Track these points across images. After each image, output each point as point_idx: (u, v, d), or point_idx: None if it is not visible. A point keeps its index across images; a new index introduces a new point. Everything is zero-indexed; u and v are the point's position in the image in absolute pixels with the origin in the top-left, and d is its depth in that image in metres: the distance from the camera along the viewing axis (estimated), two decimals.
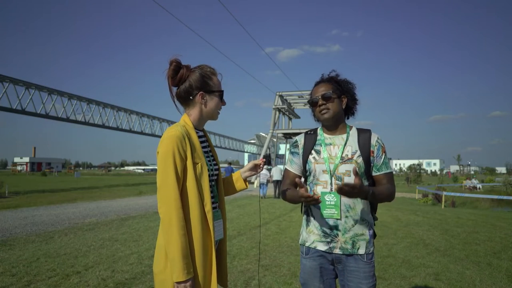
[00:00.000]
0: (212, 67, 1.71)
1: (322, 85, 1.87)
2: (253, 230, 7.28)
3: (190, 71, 1.66)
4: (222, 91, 1.72)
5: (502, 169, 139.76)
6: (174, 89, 1.70)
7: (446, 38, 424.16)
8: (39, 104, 24.82)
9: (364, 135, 1.84)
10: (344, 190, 1.58)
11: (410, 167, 47.61)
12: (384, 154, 1.83)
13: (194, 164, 1.56)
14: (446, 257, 5.21)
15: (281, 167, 17.81)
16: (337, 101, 1.84)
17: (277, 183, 16.64)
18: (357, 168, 1.73)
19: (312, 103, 1.88)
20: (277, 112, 35.80)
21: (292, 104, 38.88)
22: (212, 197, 1.64)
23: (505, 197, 15.92)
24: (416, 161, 50.21)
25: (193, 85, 1.64)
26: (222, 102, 1.73)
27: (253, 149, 66.94)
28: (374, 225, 1.87)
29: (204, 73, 1.66)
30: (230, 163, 22.36)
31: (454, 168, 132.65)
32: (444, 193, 16.63)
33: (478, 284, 4.00)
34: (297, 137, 1.99)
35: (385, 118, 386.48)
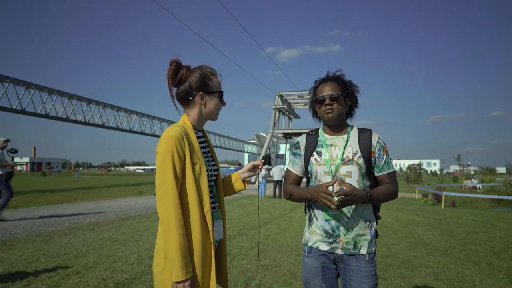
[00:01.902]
0: (212, 67, 1.71)
1: (329, 83, 1.85)
2: (253, 230, 7.28)
3: (190, 72, 1.66)
4: (222, 92, 1.71)
5: (502, 169, 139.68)
6: (174, 90, 1.70)
7: (446, 38, 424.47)
8: (39, 104, 24.86)
9: (364, 135, 1.84)
10: (342, 203, 1.62)
11: (410, 167, 47.58)
12: (385, 154, 1.84)
13: (193, 164, 1.56)
14: (446, 257, 5.21)
15: (281, 166, 17.70)
16: (342, 102, 1.83)
17: (277, 183, 16.57)
18: (351, 172, 1.76)
19: (318, 101, 1.86)
20: (277, 112, 35.79)
21: (292, 104, 38.88)
22: (211, 197, 1.65)
23: (505, 197, 15.90)
24: (416, 161, 50.15)
25: (193, 86, 1.64)
26: (222, 103, 1.73)
27: (253, 149, 66.88)
28: (377, 224, 1.87)
29: (204, 73, 1.66)
30: (239, 164, 22.25)
31: (454, 168, 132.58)
32: (444, 193, 16.62)
33: (478, 284, 4.00)
34: (298, 138, 1.99)
35: (385, 118, 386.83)
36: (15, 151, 8.95)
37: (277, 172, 16.58)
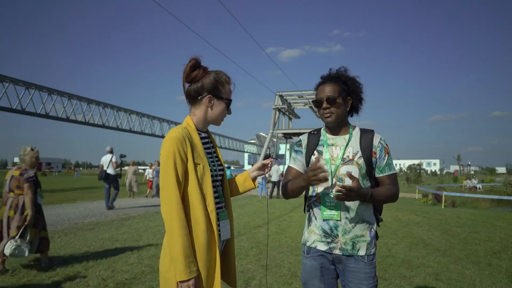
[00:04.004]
0: (228, 75, 1.72)
1: (328, 84, 1.82)
2: (253, 230, 7.28)
3: (205, 73, 1.68)
4: (231, 100, 1.73)
5: (502, 169, 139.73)
6: (186, 86, 1.71)
7: (446, 38, 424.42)
8: (39, 104, 24.78)
9: (366, 135, 1.82)
10: (342, 195, 1.60)
11: (410, 167, 47.62)
12: (387, 155, 1.82)
13: (196, 165, 1.58)
14: (446, 257, 5.21)
15: (277, 167, 17.51)
16: (342, 104, 1.80)
17: (274, 184, 16.46)
18: (351, 172, 1.71)
19: (316, 103, 1.85)
20: (277, 112, 35.75)
21: (292, 104, 38.83)
22: (216, 198, 1.66)
23: (505, 197, 15.93)
24: (416, 161, 50.15)
25: (205, 87, 1.66)
26: (228, 110, 1.74)
27: (253, 149, 66.88)
28: (378, 226, 1.85)
29: (219, 78, 1.68)
30: (252, 165, 22.16)
31: (454, 168, 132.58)
32: (444, 193, 16.63)
33: (478, 284, 4.00)
34: (301, 137, 1.99)
35: (385, 118, 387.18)
36: (124, 156, 11.52)
37: (274, 173, 16.46)
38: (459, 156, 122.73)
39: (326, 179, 1.61)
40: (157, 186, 15.61)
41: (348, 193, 1.59)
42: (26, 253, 4.06)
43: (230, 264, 1.75)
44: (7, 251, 3.93)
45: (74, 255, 5.04)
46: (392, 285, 3.92)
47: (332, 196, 1.63)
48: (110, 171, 10.47)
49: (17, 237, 4.06)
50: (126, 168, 15.05)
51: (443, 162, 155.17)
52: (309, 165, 1.88)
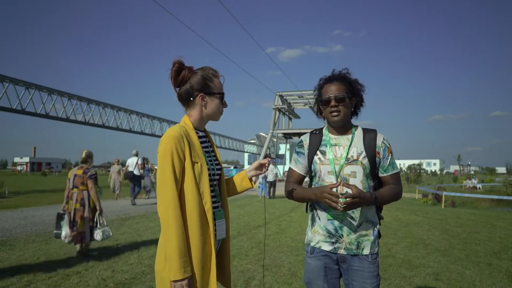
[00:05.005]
0: (214, 69, 1.71)
1: (335, 83, 1.81)
2: (253, 230, 7.28)
3: (192, 73, 1.66)
4: (223, 93, 1.72)
5: (502, 169, 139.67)
6: (177, 90, 1.71)
7: (446, 38, 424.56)
8: (39, 104, 24.72)
9: (369, 135, 1.82)
10: (348, 205, 1.61)
11: (410, 167, 47.65)
12: (390, 155, 1.82)
13: (193, 163, 1.57)
14: (446, 257, 5.21)
15: (272, 167, 17.26)
16: (348, 104, 1.81)
17: (271, 184, 16.39)
18: (356, 172, 1.74)
19: (323, 102, 1.83)
20: (277, 112, 35.75)
21: (292, 104, 38.83)
22: (213, 197, 1.65)
23: (505, 197, 15.93)
24: (416, 161, 50.17)
25: (194, 87, 1.65)
26: (223, 104, 1.73)
27: (253, 149, 66.81)
28: (380, 224, 1.86)
29: (206, 75, 1.67)
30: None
31: (454, 168, 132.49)
32: (444, 193, 16.63)
33: (478, 284, 4.00)
34: (302, 137, 1.97)
35: (385, 118, 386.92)
36: (146, 159, 13.59)
37: (269, 173, 16.36)
38: (459, 156, 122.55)
39: (336, 209, 1.65)
40: (148, 185, 15.47)
41: (352, 201, 1.61)
42: (111, 233, 5.12)
43: (225, 264, 1.74)
44: (98, 237, 4.90)
45: (74, 255, 5.04)
46: (392, 285, 3.92)
47: (340, 209, 1.63)
48: (136, 172, 11.74)
49: (96, 225, 4.92)
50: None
51: (443, 162, 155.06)
52: (313, 164, 1.86)
